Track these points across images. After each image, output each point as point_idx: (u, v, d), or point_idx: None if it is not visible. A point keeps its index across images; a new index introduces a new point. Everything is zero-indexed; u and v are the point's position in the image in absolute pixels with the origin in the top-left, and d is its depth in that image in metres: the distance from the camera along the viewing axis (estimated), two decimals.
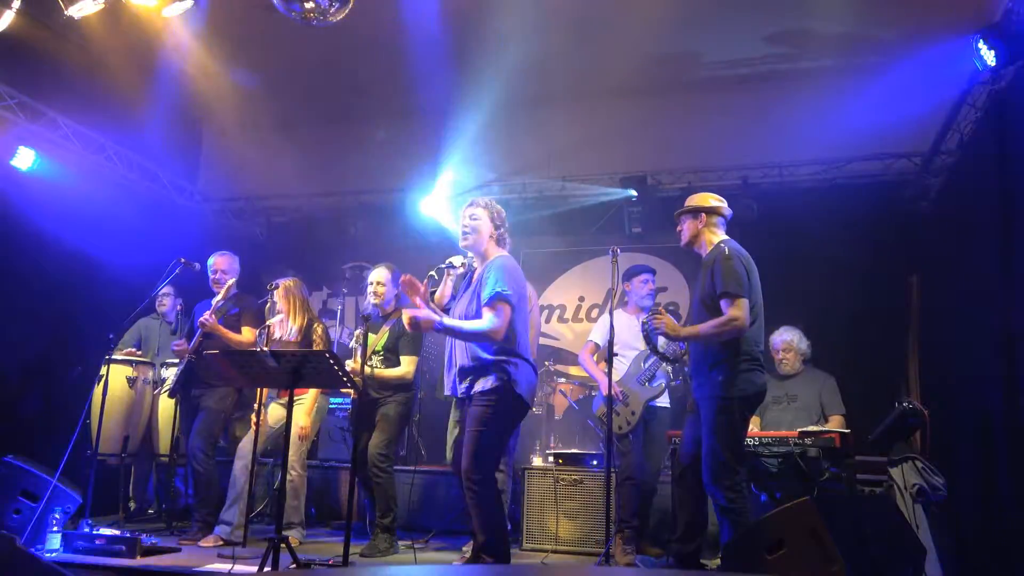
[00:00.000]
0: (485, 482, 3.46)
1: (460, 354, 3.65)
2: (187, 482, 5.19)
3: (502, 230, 3.77)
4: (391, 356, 4.69)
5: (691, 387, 3.90)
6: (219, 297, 4.83)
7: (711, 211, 3.87)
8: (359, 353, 4.47)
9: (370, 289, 4.80)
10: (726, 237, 3.87)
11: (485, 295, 3.55)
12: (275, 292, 4.81)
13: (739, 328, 3.55)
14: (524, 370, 3.60)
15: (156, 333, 5.94)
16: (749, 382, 3.59)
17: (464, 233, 3.73)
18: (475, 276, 3.76)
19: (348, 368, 4.19)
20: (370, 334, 4.71)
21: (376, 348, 4.71)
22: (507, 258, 3.71)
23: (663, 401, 4.80)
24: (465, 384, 3.62)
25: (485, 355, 3.56)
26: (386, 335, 4.71)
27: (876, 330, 6.15)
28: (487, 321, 3.49)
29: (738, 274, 3.58)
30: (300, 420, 4.66)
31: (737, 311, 3.54)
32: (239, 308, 4.97)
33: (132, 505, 5.61)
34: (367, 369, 4.53)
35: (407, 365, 4.67)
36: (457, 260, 4.00)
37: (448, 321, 3.54)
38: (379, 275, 4.81)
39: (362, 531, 5.18)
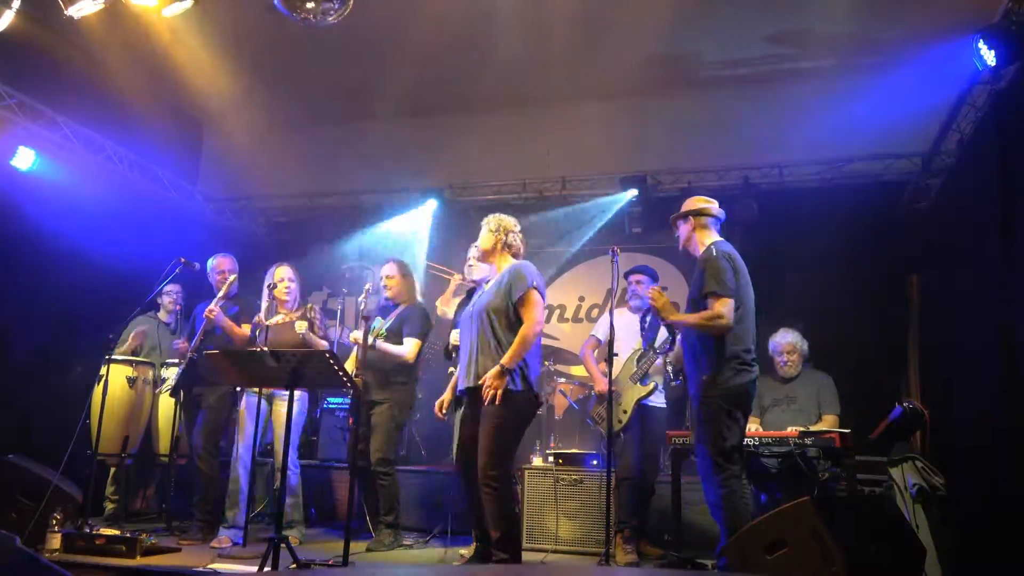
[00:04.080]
0: (503, 478, 3.59)
1: (478, 350, 3.78)
2: (171, 484, 5.18)
3: (509, 237, 3.99)
4: (394, 338, 4.84)
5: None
6: (222, 292, 4.89)
7: (699, 212, 3.99)
8: (359, 348, 4.53)
9: (382, 283, 4.99)
10: (719, 239, 3.93)
11: (515, 295, 3.76)
12: (287, 280, 4.86)
13: (723, 326, 3.62)
14: (534, 367, 3.80)
15: (153, 332, 5.93)
16: (734, 380, 3.63)
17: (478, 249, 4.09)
18: (490, 283, 3.98)
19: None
20: (379, 318, 4.93)
21: (380, 332, 4.85)
22: (526, 263, 3.95)
23: (657, 401, 4.81)
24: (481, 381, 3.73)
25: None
26: (391, 321, 4.89)
27: (876, 330, 6.15)
28: (529, 322, 3.71)
29: (722, 273, 3.66)
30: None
31: (722, 308, 3.61)
32: (239, 307, 5.05)
33: (108, 506, 5.59)
34: (370, 339, 4.67)
35: (410, 346, 4.78)
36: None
37: (507, 361, 3.64)
38: (388, 269, 5.01)
39: (361, 530, 5.19)
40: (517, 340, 3.67)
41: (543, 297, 3.84)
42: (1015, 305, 4.28)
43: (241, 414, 4.78)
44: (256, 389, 4.73)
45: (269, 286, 4.84)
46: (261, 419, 4.74)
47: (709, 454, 3.59)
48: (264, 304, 4.82)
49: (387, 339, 4.82)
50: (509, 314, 3.78)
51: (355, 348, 4.69)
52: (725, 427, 3.60)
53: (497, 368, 3.62)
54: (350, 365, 4.73)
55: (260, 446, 4.80)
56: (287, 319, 4.78)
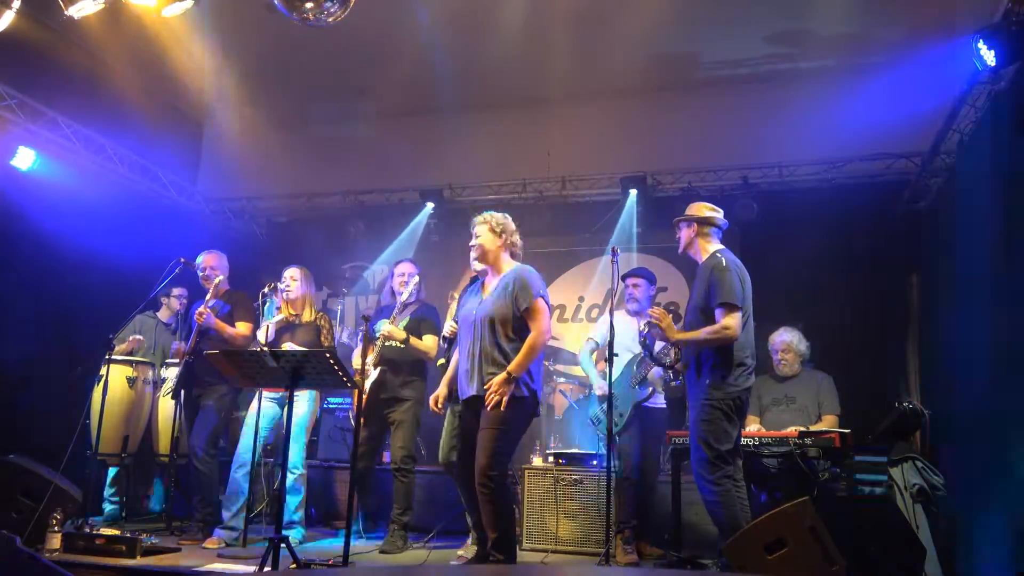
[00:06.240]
0: (501, 478, 3.61)
1: (483, 357, 3.72)
2: (177, 483, 5.18)
3: (514, 237, 3.92)
4: (413, 336, 4.86)
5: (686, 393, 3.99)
6: (210, 294, 4.88)
7: (705, 221, 4.02)
8: (363, 348, 4.54)
9: (400, 280, 4.93)
10: (722, 247, 3.99)
11: (522, 305, 3.71)
12: (289, 278, 4.88)
13: (730, 337, 3.71)
14: (537, 376, 3.80)
15: (152, 331, 5.93)
16: (735, 385, 3.73)
17: (472, 248, 3.92)
18: (490, 287, 3.89)
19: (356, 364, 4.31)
20: (384, 321, 4.83)
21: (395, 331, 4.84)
22: (529, 269, 3.87)
23: (657, 402, 4.81)
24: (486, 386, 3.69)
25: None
26: (407, 320, 4.88)
27: (876, 330, 6.14)
28: (537, 332, 3.70)
29: (733, 285, 3.73)
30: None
31: (731, 320, 3.69)
32: (231, 305, 5.02)
33: (107, 507, 5.59)
34: (397, 333, 4.73)
35: (432, 343, 4.86)
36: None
37: (514, 369, 3.62)
38: (406, 268, 5.01)
39: (363, 532, 5.19)
40: (524, 349, 3.66)
41: (549, 305, 3.81)
42: (1015, 305, 4.28)
43: (247, 416, 4.78)
44: (267, 393, 4.76)
45: (270, 287, 4.86)
46: (270, 422, 4.74)
47: (706, 452, 3.65)
48: (278, 303, 4.87)
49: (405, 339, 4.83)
50: (514, 323, 3.73)
51: (379, 342, 4.73)
52: (723, 430, 3.68)
53: (504, 375, 3.61)
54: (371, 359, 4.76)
55: (261, 447, 4.80)
56: (292, 318, 4.80)
